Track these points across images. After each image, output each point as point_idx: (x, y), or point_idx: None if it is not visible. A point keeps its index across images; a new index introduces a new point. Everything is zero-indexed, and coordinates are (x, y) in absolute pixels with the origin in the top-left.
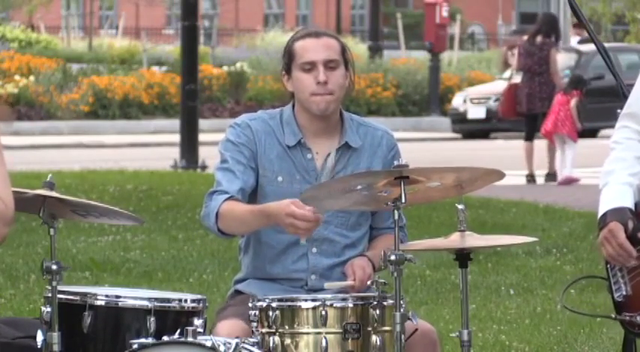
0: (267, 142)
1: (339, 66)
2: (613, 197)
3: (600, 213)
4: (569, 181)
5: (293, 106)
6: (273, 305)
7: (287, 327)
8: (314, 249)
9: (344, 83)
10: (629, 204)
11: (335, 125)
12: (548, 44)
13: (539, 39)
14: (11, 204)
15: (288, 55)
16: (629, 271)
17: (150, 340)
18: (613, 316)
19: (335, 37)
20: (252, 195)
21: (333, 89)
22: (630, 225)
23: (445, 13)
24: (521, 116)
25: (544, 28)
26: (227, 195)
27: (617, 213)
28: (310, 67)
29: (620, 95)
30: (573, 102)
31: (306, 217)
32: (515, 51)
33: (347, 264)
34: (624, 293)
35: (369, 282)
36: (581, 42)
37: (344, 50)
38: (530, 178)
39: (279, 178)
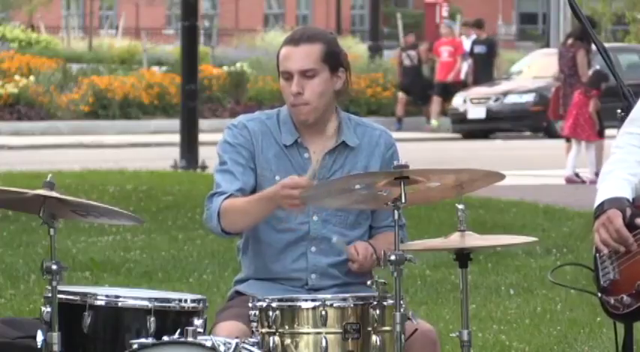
0: (265, 142)
1: (318, 74)
2: (611, 189)
3: (597, 203)
4: (592, 182)
5: None
6: (273, 305)
7: (287, 327)
8: (313, 248)
9: (324, 90)
10: (627, 195)
11: (330, 125)
12: (575, 46)
13: (569, 41)
14: None
15: (277, 60)
16: (618, 258)
17: (150, 340)
18: (599, 295)
19: (318, 41)
20: (251, 194)
21: (308, 99)
22: (628, 212)
23: (445, 13)
24: (562, 117)
25: (577, 31)
26: (226, 195)
27: (615, 202)
28: (288, 76)
29: (620, 95)
30: (592, 106)
31: (298, 183)
32: (412, 52)
33: (349, 246)
34: (611, 277)
35: (368, 282)
36: (475, 42)
37: (329, 54)
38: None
39: (277, 177)
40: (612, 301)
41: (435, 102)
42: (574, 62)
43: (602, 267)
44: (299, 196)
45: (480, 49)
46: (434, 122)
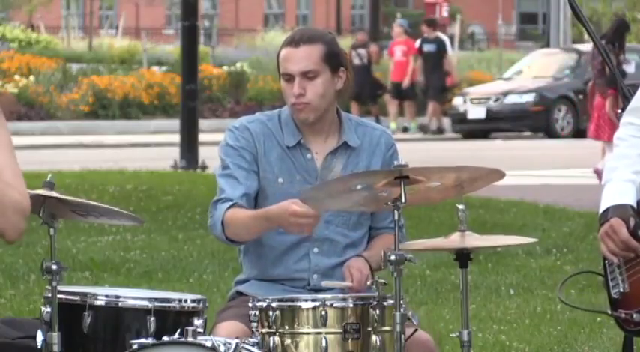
0: (267, 144)
1: (319, 75)
2: (615, 194)
3: (602, 209)
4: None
5: None
6: (274, 305)
7: (287, 327)
8: (315, 249)
9: (326, 91)
10: (632, 201)
11: (332, 125)
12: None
13: (602, 43)
14: (27, 197)
15: (277, 61)
16: (627, 268)
17: (150, 340)
18: (609, 312)
19: (318, 42)
20: (254, 198)
21: (310, 100)
22: (631, 222)
23: (445, 13)
24: None
25: (609, 33)
26: (230, 203)
27: (619, 210)
28: (289, 77)
29: (620, 95)
30: (608, 105)
31: (308, 214)
32: (361, 50)
33: (344, 266)
34: (621, 290)
35: (368, 282)
36: (424, 41)
37: (329, 54)
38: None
39: (280, 180)
40: (623, 315)
41: (391, 104)
42: (603, 65)
43: (611, 277)
44: (307, 224)
45: (428, 47)
46: (392, 125)
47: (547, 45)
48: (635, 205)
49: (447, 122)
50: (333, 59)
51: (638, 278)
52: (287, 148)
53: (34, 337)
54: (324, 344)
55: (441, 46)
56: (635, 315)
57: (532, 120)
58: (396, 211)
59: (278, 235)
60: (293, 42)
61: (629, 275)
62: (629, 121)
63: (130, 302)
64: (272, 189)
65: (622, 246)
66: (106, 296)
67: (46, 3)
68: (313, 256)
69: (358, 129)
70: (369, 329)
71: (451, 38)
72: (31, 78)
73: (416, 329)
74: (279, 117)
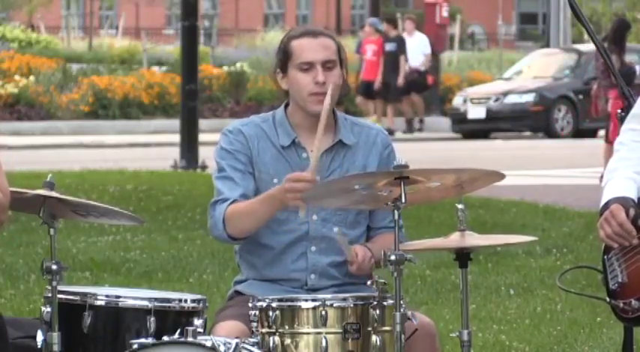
0: (261, 146)
1: (336, 66)
2: (617, 188)
3: (602, 203)
4: None
5: (285, 107)
6: (273, 305)
7: (287, 327)
8: (313, 248)
9: (339, 82)
10: (633, 196)
11: (329, 123)
12: (610, 50)
13: (604, 45)
14: (7, 193)
15: (284, 54)
16: (625, 260)
17: (150, 340)
18: (607, 300)
19: (331, 36)
20: None
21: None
22: (632, 212)
23: (445, 13)
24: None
25: (610, 34)
26: (230, 201)
27: (620, 200)
28: (308, 67)
29: (619, 94)
30: None
31: (302, 177)
32: None
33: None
34: (620, 280)
35: (368, 282)
36: (385, 40)
37: (339, 49)
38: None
39: (275, 180)
40: (621, 305)
41: (365, 104)
42: (606, 66)
43: (610, 270)
44: (302, 190)
45: (390, 46)
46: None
47: (547, 45)
48: (635, 200)
49: (446, 122)
50: (341, 55)
51: (635, 269)
52: (282, 148)
53: (34, 337)
54: (324, 344)
55: (400, 45)
56: (634, 302)
57: (532, 120)
58: (396, 211)
59: (276, 235)
60: (310, 33)
61: (628, 265)
62: (631, 128)
63: (130, 302)
64: (268, 189)
65: (618, 229)
66: (106, 296)
67: (46, 3)
68: (311, 254)
69: (354, 129)
70: (369, 329)
71: (451, 38)
72: (31, 78)
73: (416, 329)
74: (274, 119)
